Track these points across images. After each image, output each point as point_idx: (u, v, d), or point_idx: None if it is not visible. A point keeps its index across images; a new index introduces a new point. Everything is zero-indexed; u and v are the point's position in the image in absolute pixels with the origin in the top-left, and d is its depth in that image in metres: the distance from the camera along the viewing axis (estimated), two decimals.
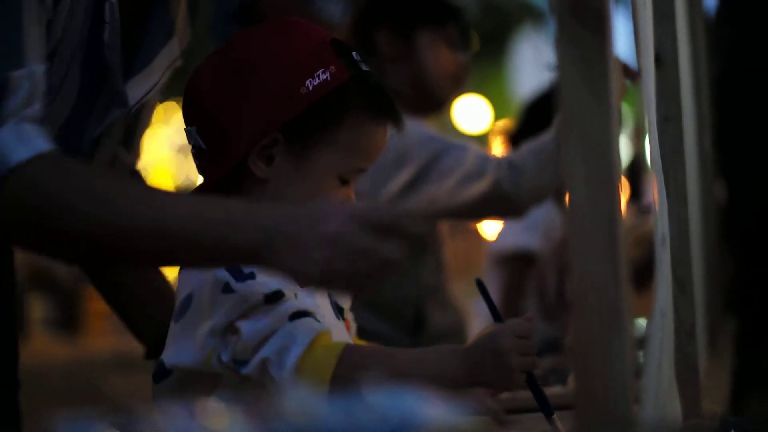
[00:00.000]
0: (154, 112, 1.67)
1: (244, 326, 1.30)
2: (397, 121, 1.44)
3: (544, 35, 12.83)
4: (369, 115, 1.41)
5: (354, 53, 1.43)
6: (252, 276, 1.32)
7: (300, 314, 1.32)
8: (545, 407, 1.41)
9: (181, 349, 1.35)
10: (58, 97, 1.37)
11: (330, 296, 1.46)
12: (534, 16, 13.54)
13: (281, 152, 1.39)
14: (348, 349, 1.32)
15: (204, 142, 1.41)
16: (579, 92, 0.99)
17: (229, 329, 1.31)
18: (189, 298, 1.35)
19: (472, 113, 13.33)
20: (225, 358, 1.32)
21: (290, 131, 1.39)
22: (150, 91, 1.55)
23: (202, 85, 1.42)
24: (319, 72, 1.38)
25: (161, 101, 1.88)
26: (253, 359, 1.31)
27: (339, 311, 1.47)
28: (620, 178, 1.01)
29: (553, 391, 1.91)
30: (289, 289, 1.33)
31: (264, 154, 1.39)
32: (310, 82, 1.38)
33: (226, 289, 1.32)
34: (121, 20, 1.43)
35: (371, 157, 1.44)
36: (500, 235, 3.33)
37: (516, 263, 3.19)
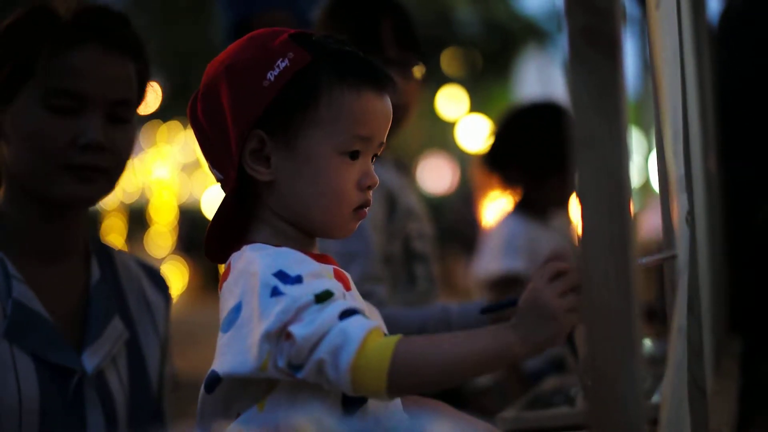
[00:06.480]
0: (158, 132, 1.87)
1: (297, 330, 1.30)
2: (378, 84, 1.44)
3: (548, 55, 12.84)
4: (346, 84, 1.43)
5: (314, 38, 1.45)
6: (299, 279, 1.34)
7: (350, 312, 1.32)
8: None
9: (235, 358, 1.35)
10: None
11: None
12: (538, 36, 13.55)
13: (272, 149, 1.42)
14: (401, 342, 1.31)
15: (220, 172, 1.46)
16: (590, 115, 1.00)
17: (283, 334, 1.31)
18: (238, 308, 1.36)
19: (475, 132, 13.33)
20: (281, 363, 1.32)
21: (268, 126, 1.42)
22: (105, 358, 1.84)
23: (197, 123, 1.46)
24: (278, 62, 1.42)
25: (164, 121, 1.93)
26: (308, 362, 1.30)
27: None
28: (631, 200, 1.01)
29: (560, 411, 1.91)
30: (337, 289, 1.35)
31: (259, 158, 1.43)
32: (271, 73, 1.41)
33: (275, 292, 1.33)
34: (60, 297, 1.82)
35: (367, 124, 1.44)
36: (482, 260, 3.31)
37: (504, 287, 3.16)
